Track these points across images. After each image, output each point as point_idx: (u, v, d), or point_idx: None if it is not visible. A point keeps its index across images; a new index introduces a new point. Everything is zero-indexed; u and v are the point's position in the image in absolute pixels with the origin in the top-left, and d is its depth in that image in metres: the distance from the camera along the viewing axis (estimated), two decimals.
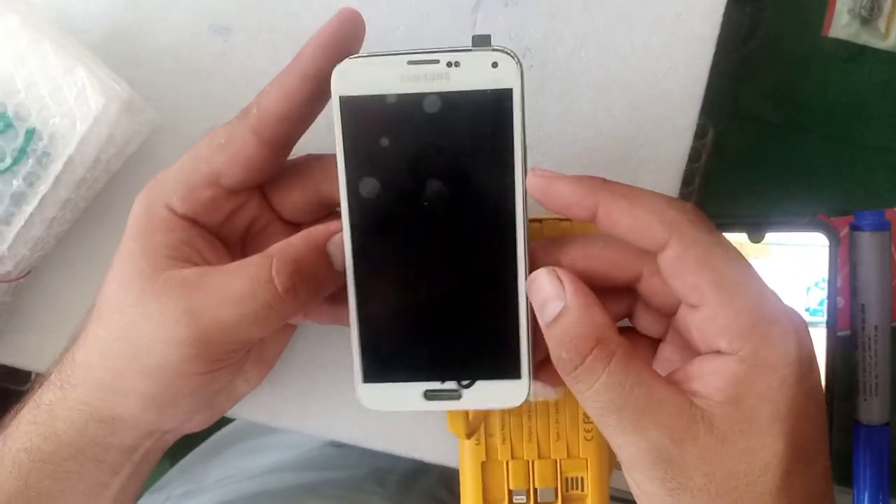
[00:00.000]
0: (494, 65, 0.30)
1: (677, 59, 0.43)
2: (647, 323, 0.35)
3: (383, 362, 0.33)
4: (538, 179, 0.31)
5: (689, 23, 0.43)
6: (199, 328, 0.31)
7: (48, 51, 0.38)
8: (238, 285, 0.31)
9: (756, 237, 0.44)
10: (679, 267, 0.29)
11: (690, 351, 0.32)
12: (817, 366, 0.30)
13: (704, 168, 0.68)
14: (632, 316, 0.36)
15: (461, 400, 0.33)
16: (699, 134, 0.64)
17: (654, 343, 0.35)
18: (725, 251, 0.30)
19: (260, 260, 0.32)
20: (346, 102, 0.31)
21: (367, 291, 0.33)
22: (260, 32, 0.45)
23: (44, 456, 0.34)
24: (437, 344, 0.33)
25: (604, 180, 0.31)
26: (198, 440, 0.70)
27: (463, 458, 0.43)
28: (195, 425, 0.39)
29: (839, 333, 0.47)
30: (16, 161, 0.39)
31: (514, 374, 0.33)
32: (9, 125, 0.39)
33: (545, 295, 0.31)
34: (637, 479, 0.30)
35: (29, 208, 0.39)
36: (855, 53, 0.66)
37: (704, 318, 0.30)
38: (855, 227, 0.47)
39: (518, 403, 0.33)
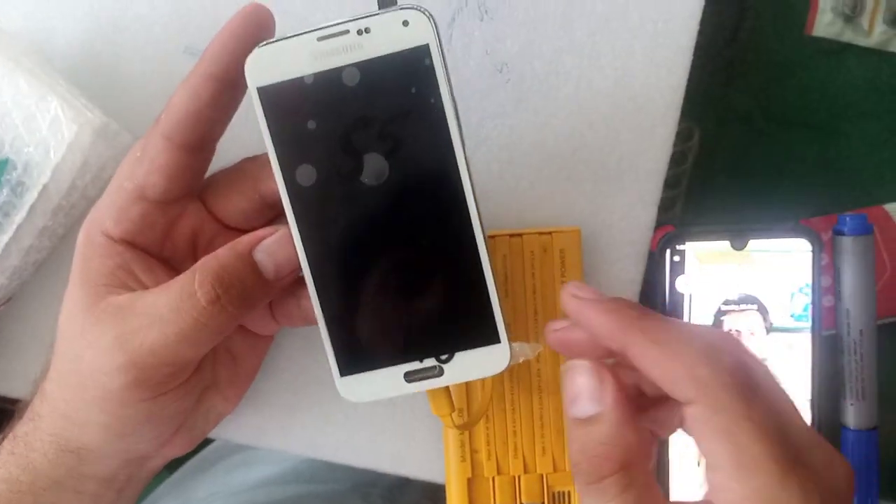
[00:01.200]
0: (405, 23, 0.29)
1: (656, 67, 0.43)
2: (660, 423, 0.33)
3: (357, 352, 0.32)
4: (572, 301, 0.30)
5: (667, 31, 0.43)
6: (130, 353, 0.31)
7: (21, 80, 0.38)
8: (164, 303, 0.31)
9: (739, 244, 0.44)
10: (701, 430, 0.27)
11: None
12: None
13: (690, 171, 0.67)
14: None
15: (443, 376, 0.32)
16: (685, 136, 0.64)
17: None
18: (753, 423, 0.26)
19: (185, 276, 0.31)
20: (264, 92, 0.30)
21: (327, 282, 0.31)
22: None
23: (23, 487, 0.34)
24: (408, 324, 0.32)
25: (638, 313, 0.28)
26: (189, 455, 0.70)
27: (449, 474, 0.43)
28: (177, 449, 0.38)
29: (825, 333, 0.47)
30: None
31: (491, 338, 0.31)
32: None
33: (579, 390, 0.29)
34: None
35: (5, 238, 0.39)
36: (839, 51, 0.66)
37: (717, 483, 0.27)
38: (837, 232, 0.47)
39: (503, 368, 0.31)
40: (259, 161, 0.35)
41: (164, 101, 0.45)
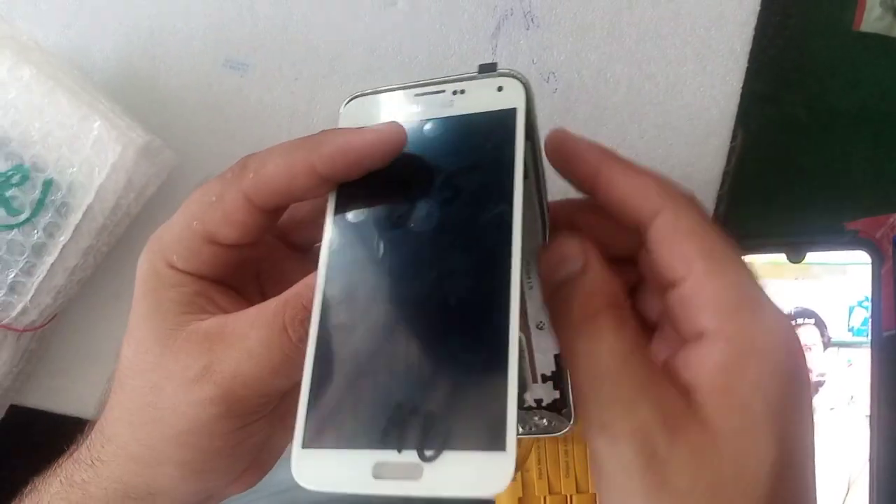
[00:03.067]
0: (500, 89, 0.29)
1: (709, 75, 0.42)
2: (648, 302, 0.33)
3: (330, 419, 0.26)
4: (556, 131, 0.30)
5: (720, 37, 0.41)
6: (222, 385, 0.30)
7: (63, 100, 0.37)
8: (255, 336, 0.30)
9: (796, 257, 0.43)
10: (670, 234, 0.28)
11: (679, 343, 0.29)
12: (807, 364, 0.28)
13: (734, 172, 0.66)
14: (634, 293, 0.34)
15: (419, 481, 0.24)
16: (730, 139, 0.62)
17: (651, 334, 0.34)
18: (716, 229, 0.28)
19: (275, 307, 0.30)
20: None
21: (332, 325, 0.27)
22: (276, 66, 0.44)
23: None
24: (400, 395, 0.25)
25: (612, 153, 0.30)
26: None
27: (499, 494, 0.42)
28: (242, 486, 0.37)
29: (885, 334, 0.45)
30: (35, 213, 0.38)
31: (495, 443, 0.24)
32: (26, 177, 0.38)
33: (565, 253, 0.28)
34: (612, 471, 0.26)
35: (50, 259, 0.39)
36: (889, 47, 0.64)
37: (689, 292, 0.27)
38: None
39: (499, 488, 0.24)
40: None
41: (205, 114, 0.44)
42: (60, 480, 0.34)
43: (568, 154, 0.30)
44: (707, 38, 0.42)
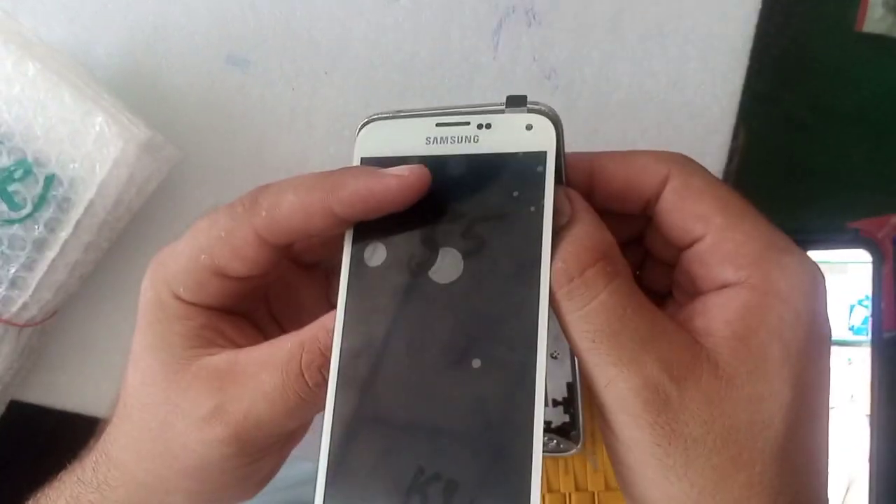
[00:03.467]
0: (529, 127, 0.27)
1: (711, 72, 0.42)
2: (656, 276, 0.32)
3: (353, 481, 0.26)
4: None
5: (722, 36, 0.42)
6: (234, 426, 0.29)
7: (66, 96, 0.38)
8: (269, 379, 0.29)
9: None
10: (683, 196, 0.27)
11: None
12: (828, 314, 0.27)
13: (737, 171, 0.66)
14: (641, 268, 0.33)
15: None
16: (731, 136, 0.62)
17: (660, 303, 0.33)
18: (725, 185, 0.28)
19: (290, 349, 0.29)
20: (367, 162, 0.28)
21: (352, 379, 0.27)
22: (278, 62, 0.44)
23: None
24: (424, 454, 0.25)
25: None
26: None
27: None
28: (248, 496, 0.37)
29: (886, 335, 0.45)
30: (36, 207, 0.38)
31: (519, 498, 0.24)
32: (28, 172, 0.38)
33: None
34: (622, 422, 0.26)
35: (51, 254, 0.39)
36: (890, 48, 0.64)
37: (709, 248, 0.27)
38: None
39: None
40: None
41: (207, 111, 0.44)
42: (65, 500, 0.33)
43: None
44: (709, 36, 0.42)
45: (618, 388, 0.26)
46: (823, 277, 0.27)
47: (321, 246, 0.34)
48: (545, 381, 0.25)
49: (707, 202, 0.27)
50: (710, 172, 0.28)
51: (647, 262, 0.33)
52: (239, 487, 0.33)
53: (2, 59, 0.38)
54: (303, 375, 0.28)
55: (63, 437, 0.38)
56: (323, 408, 0.27)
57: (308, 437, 0.44)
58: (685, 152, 0.42)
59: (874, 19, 0.63)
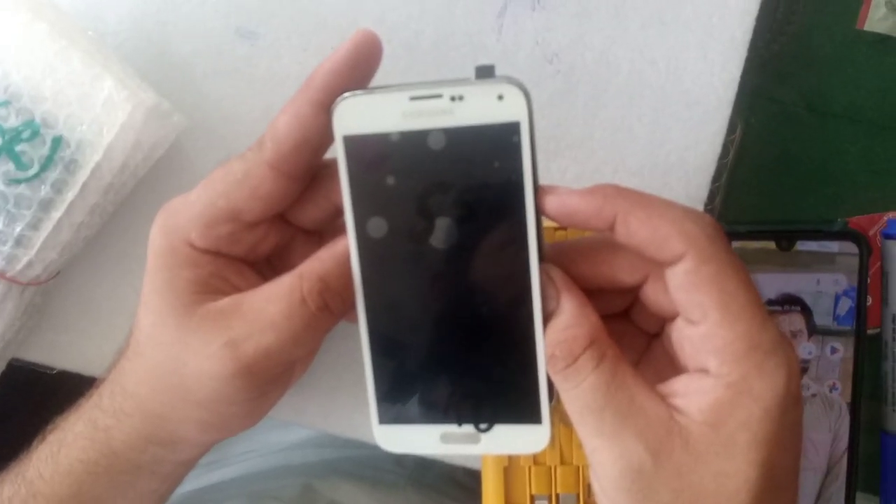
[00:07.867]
0: (500, 97, 0.28)
1: (709, 62, 0.43)
2: (644, 319, 0.34)
3: (399, 404, 0.32)
4: (550, 198, 0.30)
5: (722, 26, 0.42)
6: (244, 359, 0.31)
7: (75, 59, 0.38)
8: (273, 309, 0.31)
9: (785, 245, 0.43)
10: (690, 282, 0.29)
11: (677, 364, 0.31)
12: (801, 401, 0.30)
13: (732, 165, 0.67)
14: (630, 309, 0.35)
15: (479, 444, 0.32)
16: (728, 130, 0.63)
17: (648, 338, 0.34)
18: (737, 273, 0.29)
19: (291, 281, 0.31)
20: (349, 141, 0.30)
21: (380, 334, 0.32)
22: (286, 36, 0.44)
23: (99, 469, 0.35)
24: (453, 386, 0.32)
25: (616, 188, 0.30)
26: None
27: (486, 462, 0.43)
28: (244, 427, 0.39)
29: (869, 332, 0.46)
30: (43, 168, 0.39)
31: (533, 418, 0.31)
32: (36, 133, 0.39)
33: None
34: (604, 486, 0.30)
35: (57, 214, 0.40)
36: (891, 48, 0.64)
37: (701, 336, 0.29)
38: (887, 236, 0.47)
39: (539, 449, 0.32)
40: (331, 171, 0.35)
41: (215, 81, 0.45)
42: (84, 422, 0.36)
43: (574, 214, 0.30)
44: (709, 25, 0.42)
45: (601, 455, 0.29)
46: (799, 369, 0.29)
47: (322, 217, 0.35)
48: (541, 317, 0.30)
49: (712, 295, 0.28)
50: (727, 252, 0.29)
51: (637, 305, 0.34)
52: (247, 417, 0.36)
53: (12, 20, 0.39)
54: (305, 302, 0.31)
55: (63, 397, 0.40)
56: (326, 331, 0.33)
57: (298, 402, 0.45)
58: (680, 139, 0.43)
59: (876, 18, 0.64)
